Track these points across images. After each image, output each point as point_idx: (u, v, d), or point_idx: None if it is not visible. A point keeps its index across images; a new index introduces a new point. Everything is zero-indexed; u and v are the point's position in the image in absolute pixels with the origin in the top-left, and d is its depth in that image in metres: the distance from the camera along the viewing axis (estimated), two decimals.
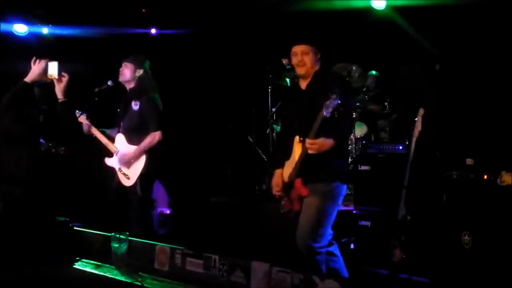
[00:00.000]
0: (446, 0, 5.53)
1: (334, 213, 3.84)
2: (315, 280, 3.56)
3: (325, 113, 3.46)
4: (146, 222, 5.17)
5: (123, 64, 5.10)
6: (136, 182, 4.95)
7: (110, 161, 5.15)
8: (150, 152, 4.95)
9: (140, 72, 5.08)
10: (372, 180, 5.01)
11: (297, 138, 3.81)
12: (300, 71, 3.89)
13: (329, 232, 3.84)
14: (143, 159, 4.93)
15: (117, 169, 5.07)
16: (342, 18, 6.24)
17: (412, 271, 4.16)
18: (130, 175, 4.98)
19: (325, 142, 3.60)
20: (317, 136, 3.58)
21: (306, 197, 3.81)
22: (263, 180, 6.09)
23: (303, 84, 3.94)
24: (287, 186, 3.91)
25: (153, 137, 4.95)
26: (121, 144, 5.09)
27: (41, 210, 5.04)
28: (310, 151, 3.61)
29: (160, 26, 8.03)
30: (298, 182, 3.81)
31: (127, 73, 5.08)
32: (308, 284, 3.60)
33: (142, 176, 4.93)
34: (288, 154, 3.92)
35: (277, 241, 4.86)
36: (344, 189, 3.88)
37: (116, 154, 5.10)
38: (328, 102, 3.44)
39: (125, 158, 4.98)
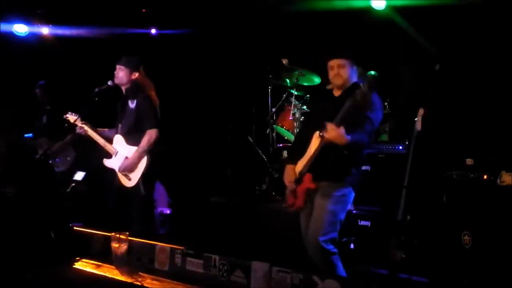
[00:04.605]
0: (446, 0, 5.53)
1: (343, 217, 3.90)
2: (315, 280, 3.56)
3: (351, 102, 3.60)
4: (149, 221, 5.19)
5: (117, 67, 5.10)
6: (138, 182, 4.96)
7: (109, 162, 5.13)
8: (151, 152, 4.95)
9: (136, 75, 5.09)
10: (372, 180, 5.00)
11: (317, 133, 3.85)
12: (337, 82, 3.98)
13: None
14: (144, 159, 4.93)
15: (117, 170, 5.07)
16: (342, 18, 6.24)
17: (412, 271, 4.16)
18: (131, 176, 4.98)
19: (343, 136, 3.64)
20: (339, 125, 3.64)
21: (314, 194, 3.85)
22: (263, 180, 6.08)
23: (337, 92, 4.01)
24: (297, 181, 3.95)
25: (150, 136, 4.94)
26: (119, 145, 5.09)
27: (38, 210, 5.05)
28: (326, 135, 3.66)
29: (160, 26, 8.03)
30: (307, 176, 3.86)
31: (123, 77, 5.08)
32: (308, 284, 3.61)
33: (144, 176, 4.94)
34: (303, 152, 3.97)
35: (277, 241, 4.87)
36: (353, 196, 3.94)
37: (115, 155, 5.09)
38: (357, 91, 3.60)
39: (128, 165, 4.98)
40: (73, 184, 6.05)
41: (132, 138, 5.01)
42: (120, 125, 5.16)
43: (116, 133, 5.16)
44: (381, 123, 5.79)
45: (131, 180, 4.97)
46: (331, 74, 3.98)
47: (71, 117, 5.22)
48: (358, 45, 6.19)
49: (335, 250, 3.82)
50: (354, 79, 3.98)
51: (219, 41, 7.44)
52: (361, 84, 3.74)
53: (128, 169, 4.97)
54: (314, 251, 3.81)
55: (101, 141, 5.16)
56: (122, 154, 5.05)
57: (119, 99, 5.27)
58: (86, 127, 5.16)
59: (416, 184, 4.45)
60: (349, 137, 3.65)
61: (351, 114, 3.66)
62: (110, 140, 5.16)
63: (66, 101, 6.17)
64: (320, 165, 3.83)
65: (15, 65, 7.18)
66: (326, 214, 3.80)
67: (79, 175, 6.17)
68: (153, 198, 5.39)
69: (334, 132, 3.63)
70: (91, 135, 5.17)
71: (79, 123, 5.18)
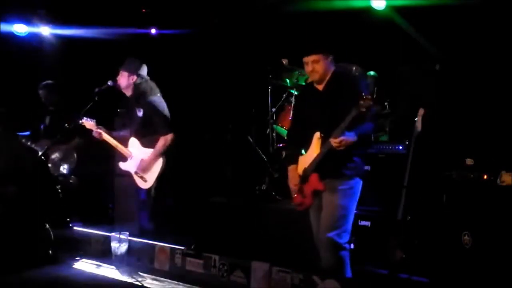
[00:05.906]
0: (446, 0, 5.53)
1: (355, 208, 3.90)
2: (315, 280, 3.57)
3: (356, 112, 3.56)
4: (159, 222, 5.24)
5: (119, 73, 5.11)
6: (153, 184, 5.00)
7: (125, 165, 5.14)
8: (167, 154, 4.99)
9: (134, 78, 5.08)
10: (372, 180, 5.00)
11: (317, 134, 3.86)
12: (314, 77, 3.96)
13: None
14: (160, 162, 4.96)
15: (132, 172, 5.08)
16: (342, 18, 6.23)
17: (412, 271, 4.16)
18: (147, 178, 5.00)
19: (349, 139, 3.66)
20: (342, 134, 3.65)
21: (322, 191, 3.86)
22: (263, 180, 6.08)
23: (320, 86, 3.99)
24: (301, 180, 3.95)
25: (165, 141, 4.99)
26: (135, 148, 5.11)
27: (38, 210, 5.05)
28: (338, 148, 3.66)
29: (160, 26, 8.03)
30: (314, 176, 3.87)
31: (123, 81, 5.10)
32: (308, 284, 3.62)
33: (159, 178, 4.97)
34: (300, 150, 3.99)
35: (277, 241, 4.86)
36: (361, 184, 3.93)
37: (131, 158, 5.10)
38: (362, 102, 3.53)
39: (145, 165, 5.00)
40: (61, 178, 6.01)
41: (146, 141, 5.07)
42: (131, 130, 5.17)
43: (131, 136, 5.17)
44: (381, 123, 5.83)
45: (147, 182, 5.01)
46: (307, 69, 3.96)
47: (87, 123, 5.18)
48: (358, 45, 6.22)
49: (347, 246, 3.81)
50: (332, 68, 3.95)
51: (219, 41, 7.43)
52: (355, 73, 3.71)
53: (145, 170, 4.99)
54: (325, 248, 3.78)
55: (115, 143, 5.16)
56: (138, 157, 5.07)
57: (120, 100, 5.28)
58: (101, 131, 5.15)
59: (416, 184, 4.45)
60: (355, 137, 3.67)
61: (354, 121, 3.65)
62: (121, 141, 5.17)
63: (69, 102, 6.17)
64: (325, 164, 3.82)
65: (15, 65, 7.18)
66: (336, 209, 3.79)
67: (64, 168, 6.11)
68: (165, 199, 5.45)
69: (340, 144, 3.65)
70: (105, 138, 5.16)
71: (95, 128, 5.16)
